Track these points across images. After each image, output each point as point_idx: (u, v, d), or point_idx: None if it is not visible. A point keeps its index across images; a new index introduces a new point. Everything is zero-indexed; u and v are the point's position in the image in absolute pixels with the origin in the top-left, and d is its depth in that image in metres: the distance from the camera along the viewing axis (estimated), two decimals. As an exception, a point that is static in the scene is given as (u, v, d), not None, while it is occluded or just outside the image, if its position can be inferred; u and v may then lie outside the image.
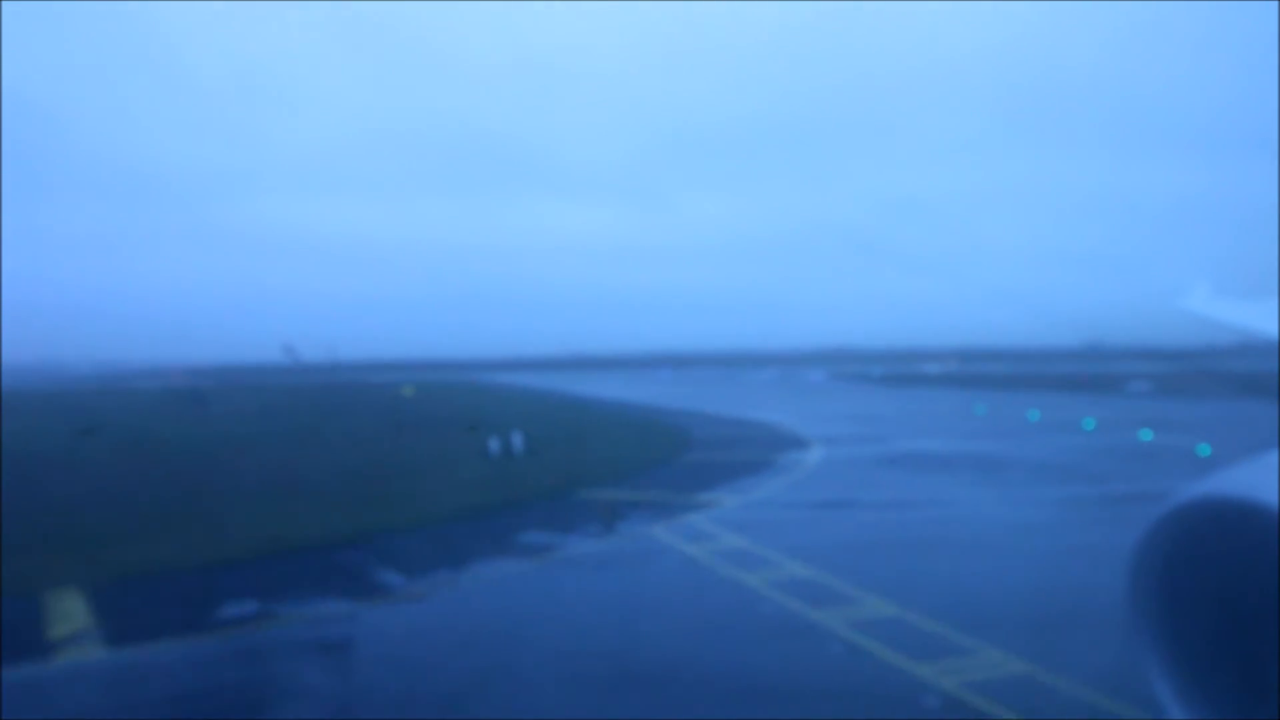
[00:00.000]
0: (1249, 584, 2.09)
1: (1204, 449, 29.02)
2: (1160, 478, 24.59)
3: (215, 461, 34.09)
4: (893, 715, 9.33)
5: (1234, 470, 2.13)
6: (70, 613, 13.67)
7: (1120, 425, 39.29)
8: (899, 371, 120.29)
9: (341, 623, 13.10)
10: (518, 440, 35.07)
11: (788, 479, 25.73)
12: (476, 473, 28.90)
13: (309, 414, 62.37)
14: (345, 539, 18.87)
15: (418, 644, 12.14)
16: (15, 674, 11.12)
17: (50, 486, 27.67)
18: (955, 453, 31.34)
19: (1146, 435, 34.36)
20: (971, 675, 10.04)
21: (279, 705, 9.92)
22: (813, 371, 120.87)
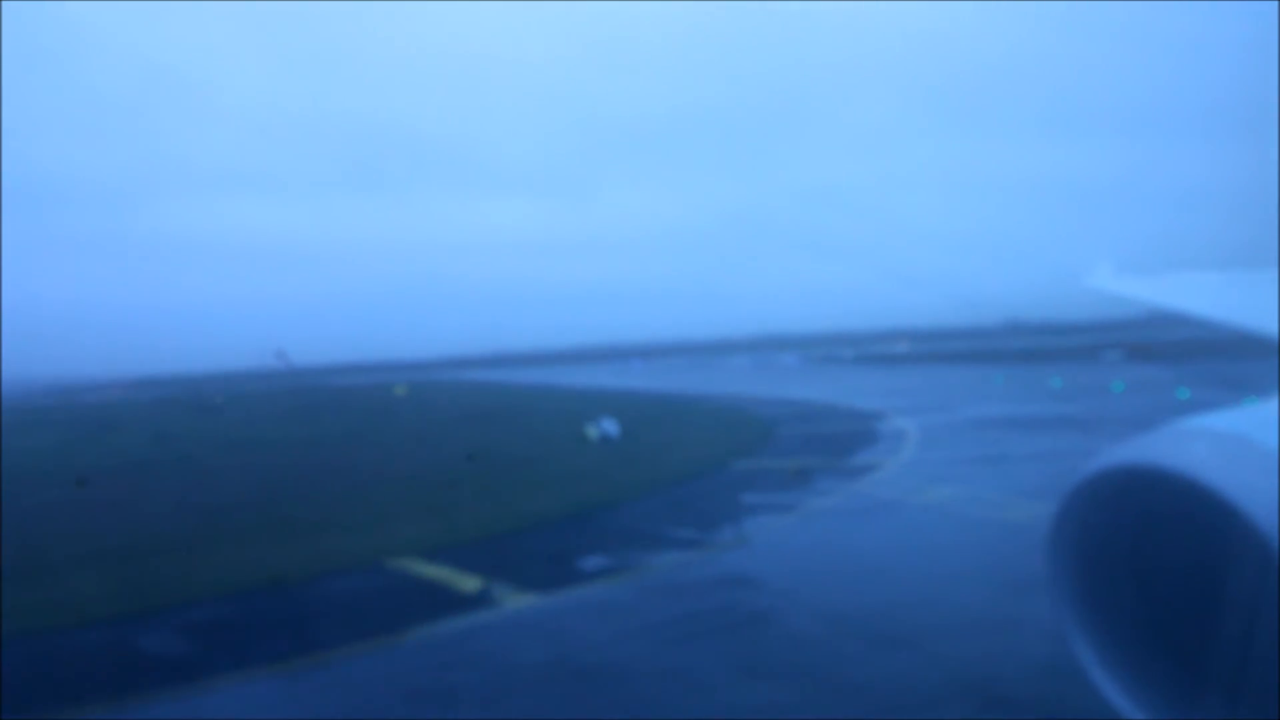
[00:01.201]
0: (1161, 553, 2.16)
1: (1252, 400, 32.39)
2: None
3: (351, 460, 34.83)
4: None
5: (1145, 438, 2.19)
6: (449, 576, 15.36)
7: (1149, 387, 42.85)
8: (866, 352, 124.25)
9: (704, 565, 15.10)
10: (610, 426, 36.84)
11: (913, 443, 28.25)
12: (608, 454, 30.74)
13: (352, 416, 61.93)
14: (585, 509, 20.68)
15: (810, 576, 14.29)
16: (486, 617, 12.93)
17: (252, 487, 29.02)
18: (1031, 415, 34.21)
19: (1184, 393, 37.82)
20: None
21: (781, 617, 11.99)
22: (784, 355, 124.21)
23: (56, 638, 13.37)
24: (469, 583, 14.75)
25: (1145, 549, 2.19)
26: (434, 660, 11.30)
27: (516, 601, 13.62)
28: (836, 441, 29.66)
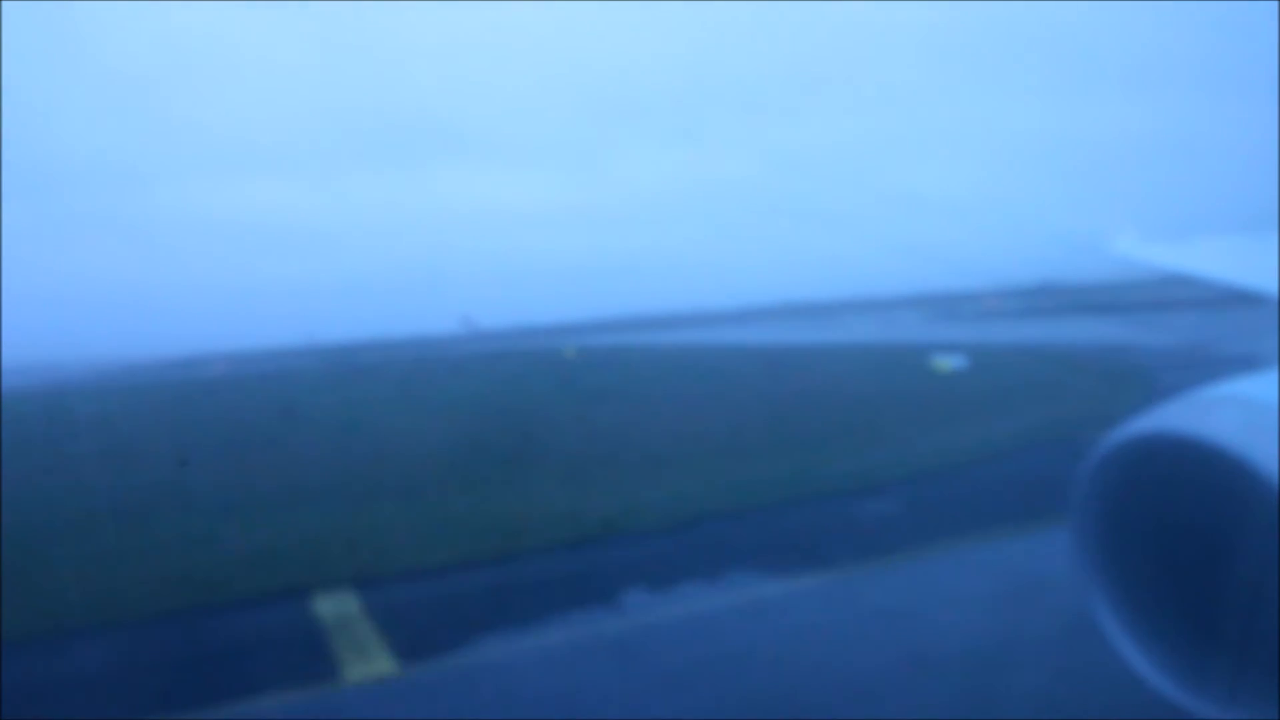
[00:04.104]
0: (1186, 519, 2.21)
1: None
2: None
3: (780, 399, 36.33)
4: None
5: (1170, 406, 2.26)
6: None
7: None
8: (976, 310, 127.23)
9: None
10: (957, 360, 41.62)
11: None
12: (997, 381, 35.21)
13: (646, 371, 60.81)
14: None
15: None
16: None
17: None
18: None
19: None
20: None
21: None
22: (904, 314, 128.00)
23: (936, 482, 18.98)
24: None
25: (1170, 516, 2.23)
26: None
27: None
28: (1230, 362, 34.58)
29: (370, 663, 10.86)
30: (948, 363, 40.93)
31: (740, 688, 9.30)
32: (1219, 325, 53.20)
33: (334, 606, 13.23)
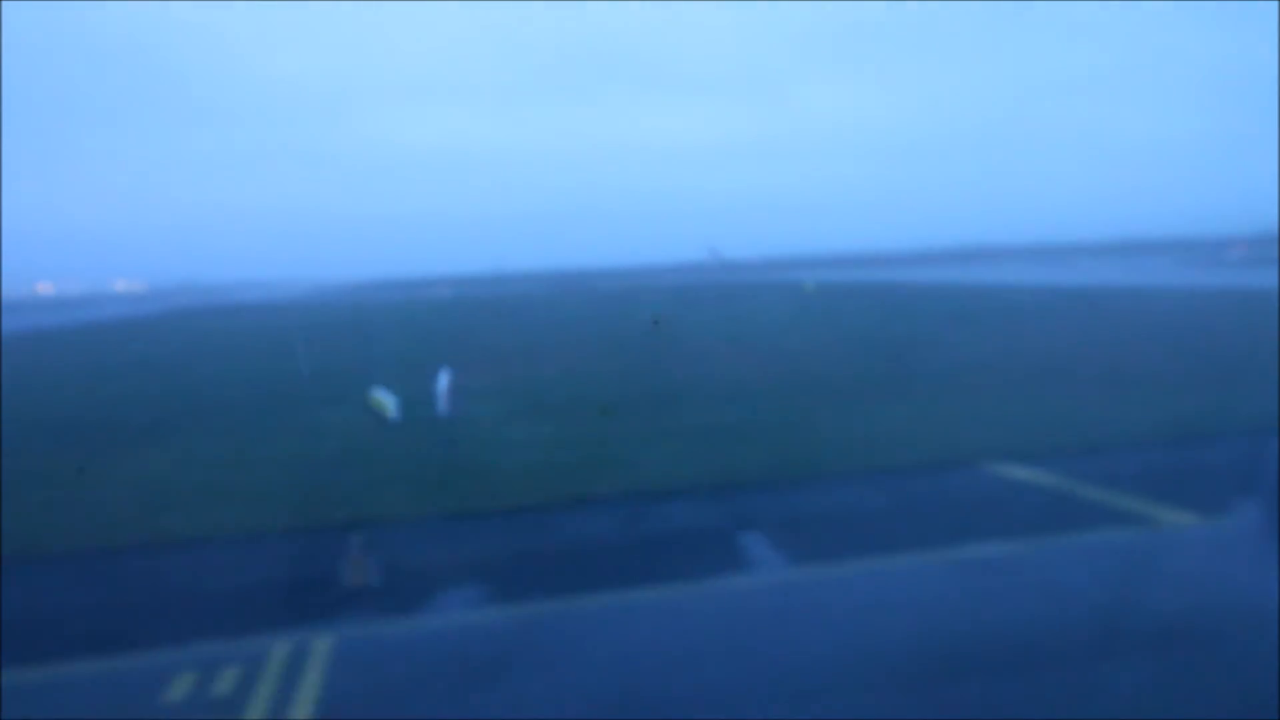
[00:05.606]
0: None
1: None
2: None
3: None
4: None
5: None
6: None
7: None
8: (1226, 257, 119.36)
9: None
10: None
11: None
12: None
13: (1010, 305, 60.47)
14: None
15: None
16: None
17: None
18: None
19: None
20: None
21: None
22: (1146, 259, 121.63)
23: None
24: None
25: None
26: None
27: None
28: None
29: (1169, 513, 12.30)
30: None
31: None
32: None
33: (1024, 474, 14.96)
